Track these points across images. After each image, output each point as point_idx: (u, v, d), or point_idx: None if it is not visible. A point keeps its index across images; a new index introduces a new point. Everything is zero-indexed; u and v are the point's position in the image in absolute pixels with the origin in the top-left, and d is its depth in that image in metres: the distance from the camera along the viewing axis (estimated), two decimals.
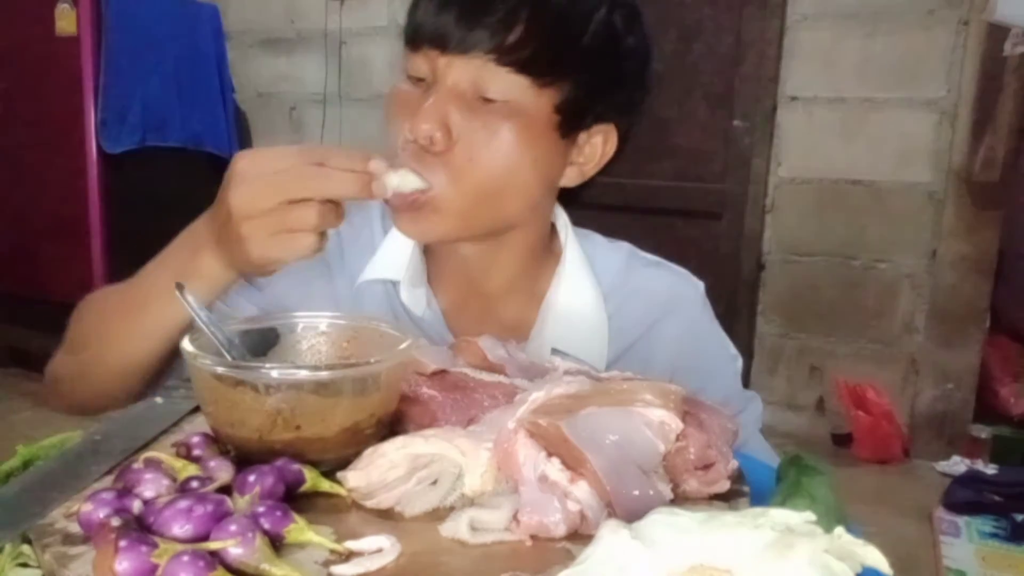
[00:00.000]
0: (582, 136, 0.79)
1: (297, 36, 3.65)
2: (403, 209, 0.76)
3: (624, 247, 0.93)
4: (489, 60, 0.71)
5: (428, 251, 0.88)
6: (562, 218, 0.89)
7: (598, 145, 0.80)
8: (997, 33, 2.49)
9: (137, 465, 0.53)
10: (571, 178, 0.81)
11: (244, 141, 3.75)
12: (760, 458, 0.81)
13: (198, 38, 3.39)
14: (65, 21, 2.97)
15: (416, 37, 0.74)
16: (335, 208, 0.64)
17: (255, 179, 0.63)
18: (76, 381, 0.80)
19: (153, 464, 0.53)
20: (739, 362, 0.93)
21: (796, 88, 2.90)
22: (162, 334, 0.71)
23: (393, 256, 0.86)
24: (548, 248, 0.88)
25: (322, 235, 0.65)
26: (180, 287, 0.64)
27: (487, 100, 0.72)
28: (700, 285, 0.92)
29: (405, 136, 0.73)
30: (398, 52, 0.80)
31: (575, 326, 0.85)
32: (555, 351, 0.83)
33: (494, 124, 0.72)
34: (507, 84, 0.72)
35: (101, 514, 0.47)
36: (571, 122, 0.76)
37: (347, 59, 3.56)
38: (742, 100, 2.99)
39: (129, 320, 0.73)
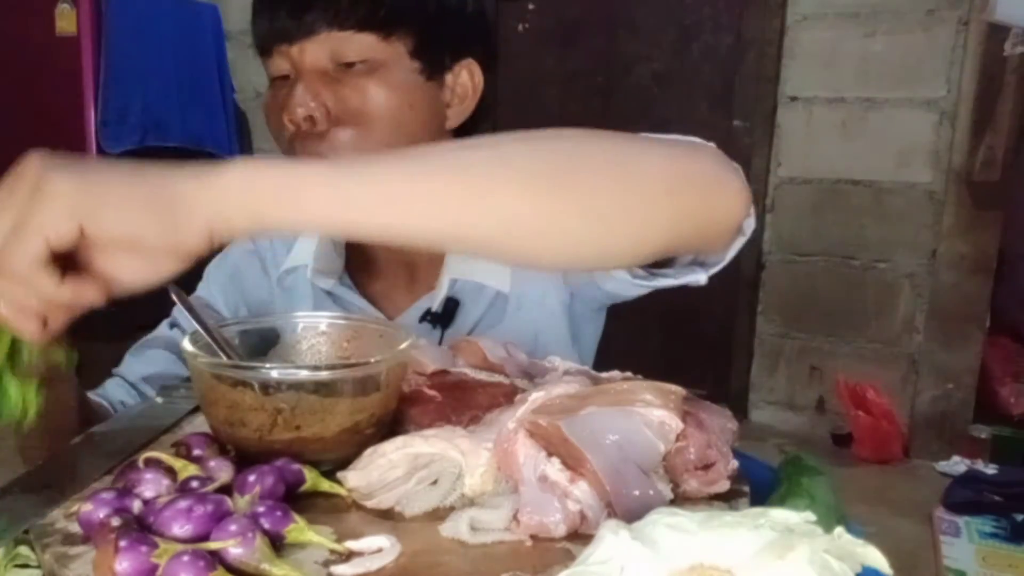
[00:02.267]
0: (448, 77, 0.84)
1: None
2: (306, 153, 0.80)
3: None
4: (332, 31, 0.77)
5: None
6: None
7: (466, 81, 0.86)
8: (997, 33, 2.49)
9: (137, 465, 0.53)
10: (455, 118, 0.87)
11: (244, 141, 3.75)
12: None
13: (198, 38, 3.39)
14: (65, 21, 2.96)
15: (265, 43, 0.81)
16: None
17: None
18: None
19: (153, 464, 0.53)
20: None
21: (796, 88, 2.89)
22: None
23: (307, 242, 0.92)
24: None
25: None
26: (176, 288, 0.64)
27: (348, 65, 0.78)
28: None
29: (288, 129, 0.79)
30: None
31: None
32: (462, 282, 0.88)
33: (362, 83, 0.78)
34: (358, 44, 0.78)
35: (101, 514, 0.47)
36: (431, 64, 0.82)
37: None
38: (742, 100, 2.98)
39: None
